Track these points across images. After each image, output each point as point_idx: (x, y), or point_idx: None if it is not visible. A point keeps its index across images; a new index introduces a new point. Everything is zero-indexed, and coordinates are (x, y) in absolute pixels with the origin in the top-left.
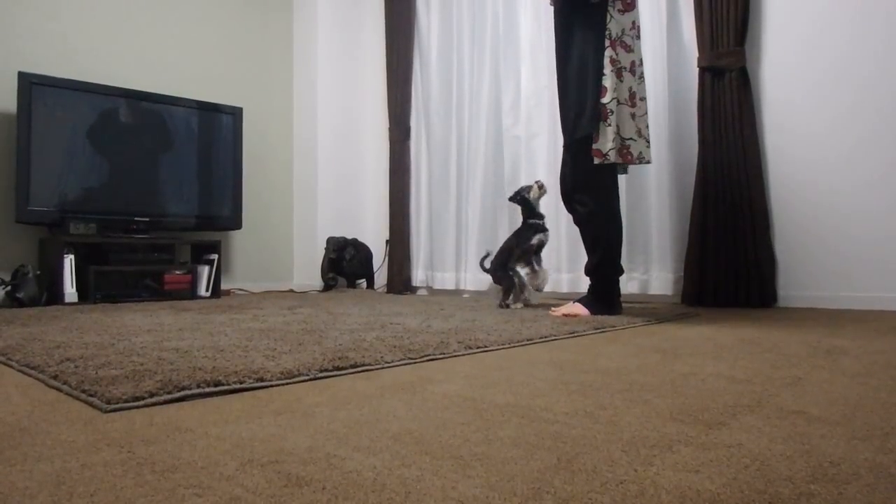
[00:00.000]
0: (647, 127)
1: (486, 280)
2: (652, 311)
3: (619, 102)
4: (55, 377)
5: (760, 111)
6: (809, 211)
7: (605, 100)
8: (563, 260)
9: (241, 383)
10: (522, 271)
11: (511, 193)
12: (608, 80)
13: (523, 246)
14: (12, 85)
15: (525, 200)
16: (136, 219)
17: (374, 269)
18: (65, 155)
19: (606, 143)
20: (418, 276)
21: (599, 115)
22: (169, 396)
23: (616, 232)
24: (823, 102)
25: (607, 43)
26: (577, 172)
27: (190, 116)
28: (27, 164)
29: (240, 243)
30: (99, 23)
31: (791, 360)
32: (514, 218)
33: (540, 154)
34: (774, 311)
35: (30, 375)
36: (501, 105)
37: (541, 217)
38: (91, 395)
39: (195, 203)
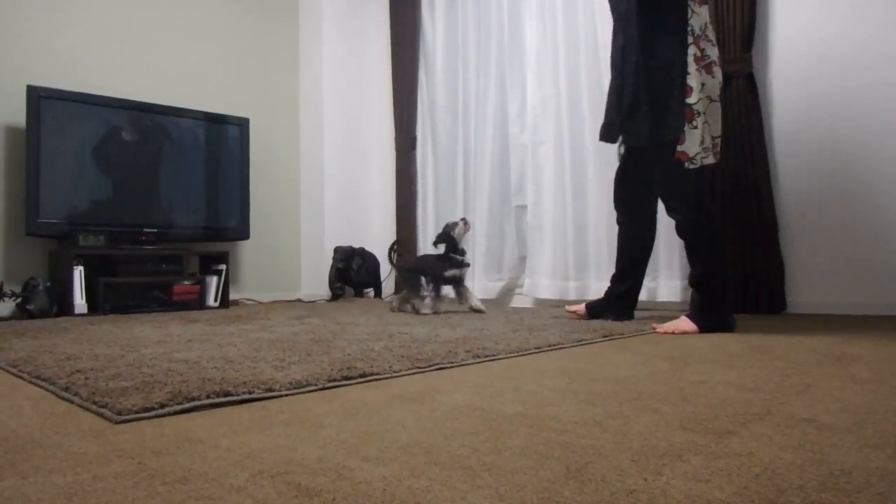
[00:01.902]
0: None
1: (492, 289)
2: (660, 319)
3: (711, 100)
4: (66, 389)
5: (768, 117)
6: (818, 217)
7: (690, 100)
8: (570, 268)
9: (250, 394)
10: (427, 295)
11: (439, 233)
12: (693, 80)
13: (437, 273)
14: (21, 98)
15: (450, 238)
16: (144, 230)
17: (382, 278)
18: (73, 167)
19: (693, 146)
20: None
21: (684, 116)
22: (179, 407)
23: (716, 238)
24: (830, 108)
25: (690, 39)
26: (665, 179)
27: (197, 127)
28: (36, 177)
29: (247, 254)
30: (106, 36)
31: (801, 368)
32: (519, 225)
33: (546, 162)
34: (783, 318)
35: (41, 387)
36: (507, 113)
37: (462, 253)
38: (102, 407)
39: (203, 214)
